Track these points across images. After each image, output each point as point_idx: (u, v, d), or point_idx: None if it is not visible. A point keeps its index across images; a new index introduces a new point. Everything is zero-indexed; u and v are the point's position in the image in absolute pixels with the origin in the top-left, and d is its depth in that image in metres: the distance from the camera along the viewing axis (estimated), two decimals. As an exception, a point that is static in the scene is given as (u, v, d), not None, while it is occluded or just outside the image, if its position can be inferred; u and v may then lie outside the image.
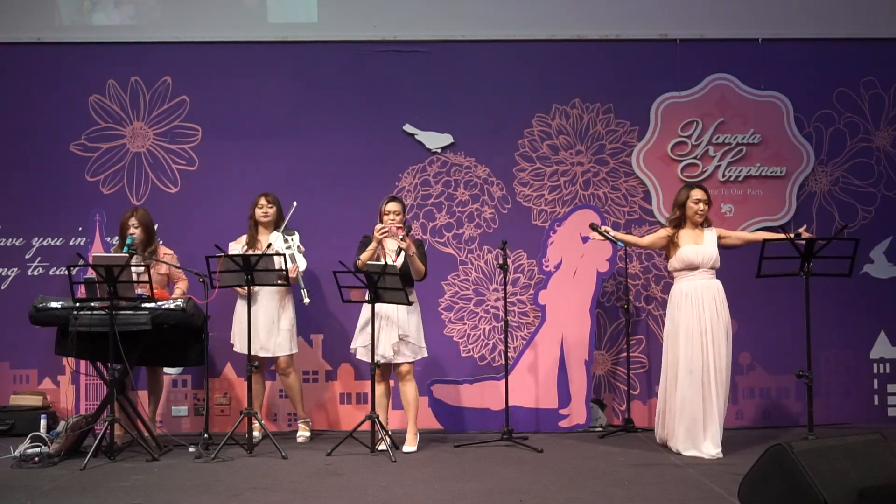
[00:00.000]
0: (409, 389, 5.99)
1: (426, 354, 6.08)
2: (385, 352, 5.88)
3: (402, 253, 5.87)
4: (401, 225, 5.84)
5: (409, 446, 5.94)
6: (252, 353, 6.11)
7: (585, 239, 6.71)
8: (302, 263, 6.18)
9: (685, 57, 7.05)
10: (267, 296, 6.19)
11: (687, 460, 5.57)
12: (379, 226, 5.85)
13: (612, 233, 6.02)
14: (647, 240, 6.11)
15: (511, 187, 7.03)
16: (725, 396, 5.76)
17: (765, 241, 5.61)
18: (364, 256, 5.88)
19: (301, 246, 6.26)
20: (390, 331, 5.88)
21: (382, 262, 5.76)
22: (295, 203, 6.16)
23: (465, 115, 7.03)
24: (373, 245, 5.88)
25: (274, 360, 6.34)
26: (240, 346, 6.21)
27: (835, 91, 7.07)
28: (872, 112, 7.09)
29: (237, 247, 6.29)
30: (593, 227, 6.00)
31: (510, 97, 7.04)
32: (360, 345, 6.03)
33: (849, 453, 4.00)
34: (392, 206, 5.91)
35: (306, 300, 6.04)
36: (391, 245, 5.92)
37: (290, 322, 6.29)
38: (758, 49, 7.06)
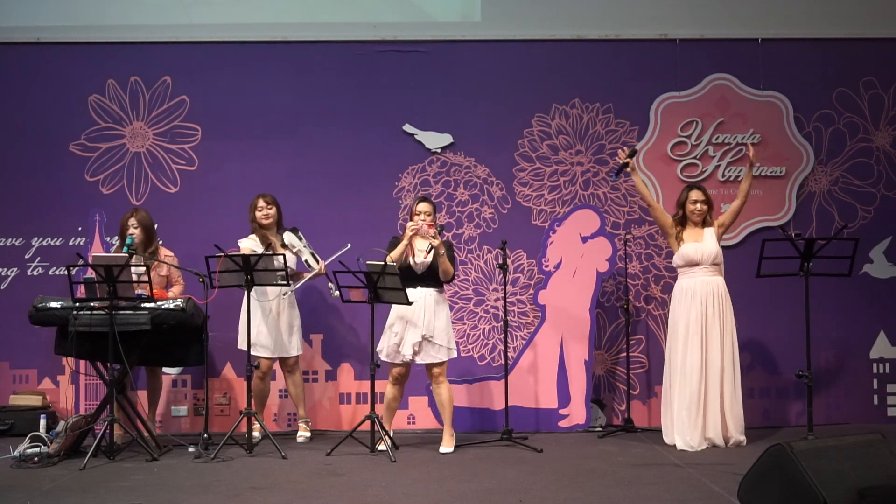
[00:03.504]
0: (442, 391, 5.93)
1: (455, 355, 6.05)
2: (405, 352, 5.83)
3: (432, 252, 5.80)
4: (432, 223, 5.83)
5: (446, 447, 5.90)
6: (269, 355, 6.18)
7: (585, 239, 6.74)
8: (320, 258, 6.20)
9: (685, 57, 7.05)
10: (282, 297, 6.19)
11: (687, 460, 5.57)
12: (410, 223, 5.84)
13: (636, 177, 6.13)
14: (657, 206, 6.20)
15: (511, 187, 7.03)
16: (736, 391, 5.94)
17: (764, 241, 5.65)
18: (393, 255, 5.83)
19: None
20: (414, 331, 5.83)
21: (382, 263, 5.75)
22: (349, 244, 6.10)
23: (465, 115, 7.03)
24: (402, 244, 5.83)
25: (277, 360, 6.35)
26: (259, 350, 6.19)
27: (834, 91, 7.07)
28: (872, 112, 7.09)
29: (249, 243, 6.26)
30: (631, 154, 6.13)
31: (510, 97, 7.04)
32: (382, 346, 5.95)
33: (849, 453, 4.00)
34: (423, 207, 5.87)
35: (336, 293, 6.01)
36: (421, 245, 5.89)
37: (300, 320, 6.35)
38: (758, 49, 7.06)
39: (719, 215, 6.24)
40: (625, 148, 6.36)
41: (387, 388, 5.99)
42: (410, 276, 5.82)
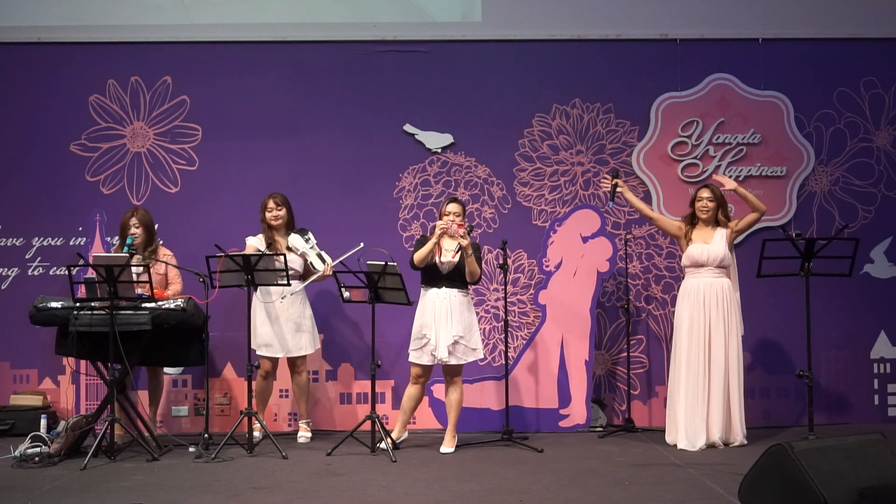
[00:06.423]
0: (456, 392, 5.96)
1: (481, 356, 6.07)
2: (441, 354, 5.82)
3: (460, 252, 5.81)
4: (462, 223, 5.83)
5: (447, 447, 5.92)
6: (277, 355, 6.19)
7: (585, 239, 6.74)
8: (327, 259, 6.19)
9: (685, 57, 7.05)
10: (289, 297, 6.18)
11: (687, 460, 5.57)
12: (440, 222, 5.85)
13: (628, 194, 6.25)
14: (658, 216, 6.33)
15: (511, 187, 7.03)
16: (737, 393, 5.95)
17: (765, 241, 5.66)
18: (420, 254, 5.84)
19: None
20: (445, 332, 5.81)
21: (383, 263, 5.75)
22: (362, 244, 6.06)
23: (465, 115, 7.03)
24: (431, 242, 5.83)
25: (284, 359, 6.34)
26: (263, 349, 6.19)
27: (835, 91, 7.07)
28: (872, 112, 7.09)
29: (254, 241, 6.24)
30: (614, 175, 6.24)
31: (510, 97, 7.04)
32: (412, 348, 5.94)
33: (849, 453, 4.00)
34: (452, 207, 5.89)
35: (346, 294, 6.03)
36: (449, 245, 5.89)
37: (312, 319, 6.32)
38: (758, 49, 7.06)
39: (737, 218, 6.22)
40: (606, 174, 6.38)
41: (409, 389, 6.01)
42: (435, 276, 5.86)
